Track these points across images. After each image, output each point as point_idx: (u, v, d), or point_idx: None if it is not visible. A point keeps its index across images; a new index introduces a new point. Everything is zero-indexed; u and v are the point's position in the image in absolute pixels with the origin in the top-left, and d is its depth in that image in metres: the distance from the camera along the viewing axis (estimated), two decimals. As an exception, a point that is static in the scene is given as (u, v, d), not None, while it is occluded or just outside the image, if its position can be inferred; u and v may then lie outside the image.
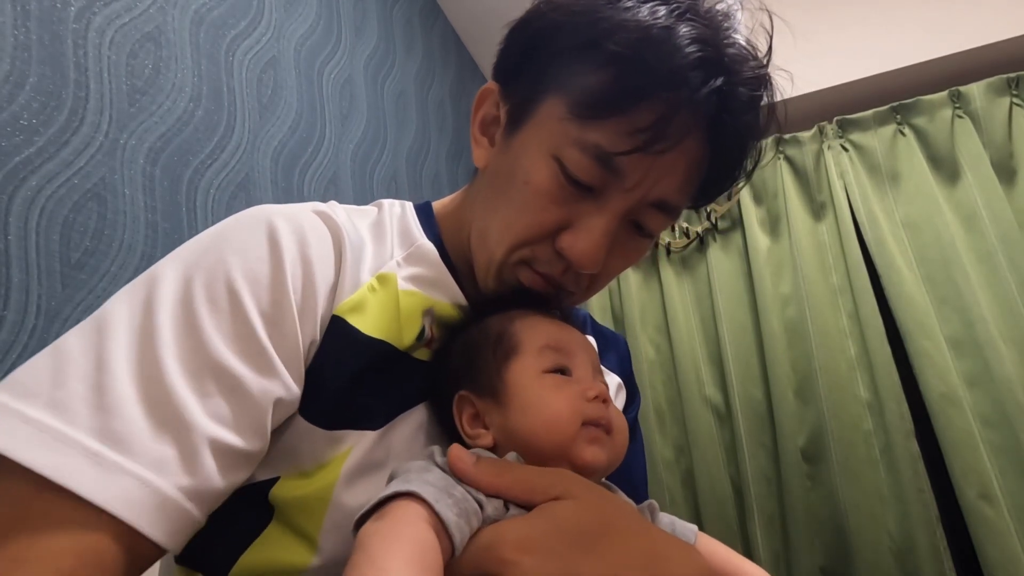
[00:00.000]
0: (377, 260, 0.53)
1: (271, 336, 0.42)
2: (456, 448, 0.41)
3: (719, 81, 0.46)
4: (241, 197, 1.09)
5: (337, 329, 0.47)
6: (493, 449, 0.45)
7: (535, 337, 0.49)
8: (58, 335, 0.77)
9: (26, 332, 0.74)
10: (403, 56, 1.75)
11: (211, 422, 0.38)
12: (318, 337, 0.46)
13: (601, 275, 0.54)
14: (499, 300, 0.53)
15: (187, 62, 1.03)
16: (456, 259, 0.57)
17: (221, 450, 0.38)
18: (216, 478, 0.38)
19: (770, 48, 0.52)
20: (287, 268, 0.44)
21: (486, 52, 2.20)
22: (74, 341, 0.38)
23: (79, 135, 0.83)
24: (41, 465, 0.32)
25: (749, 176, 0.55)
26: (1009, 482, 1.50)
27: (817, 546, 1.67)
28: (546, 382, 0.47)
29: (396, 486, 0.36)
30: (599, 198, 0.49)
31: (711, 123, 0.48)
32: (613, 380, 0.67)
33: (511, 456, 0.44)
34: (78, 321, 0.79)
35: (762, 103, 0.50)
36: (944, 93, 1.84)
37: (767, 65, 0.51)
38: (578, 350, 0.49)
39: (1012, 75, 1.78)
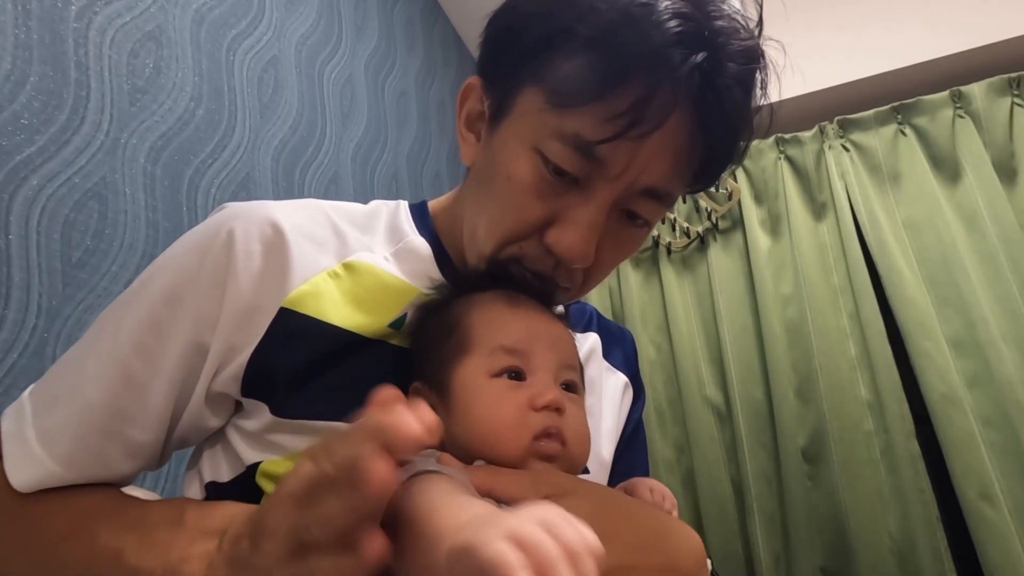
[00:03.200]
0: (347, 250, 0.51)
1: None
2: (448, 456, 0.40)
3: (700, 57, 0.43)
4: (242, 196, 1.09)
5: (284, 321, 0.46)
6: (440, 448, 0.41)
7: (491, 335, 0.45)
8: (59, 334, 0.77)
9: (27, 331, 0.74)
10: (404, 56, 1.75)
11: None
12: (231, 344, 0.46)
13: (596, 268, 0.52)
14: (486, 278, 0.50)
15: (188, 61, 1.03)
16: (455, 257, 0.56)
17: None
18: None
19: (760, 19, 0.49)
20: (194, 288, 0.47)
21: (487, 52, 2.20)
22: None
23: (80, 134, 0.83)
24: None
25: (742, 156, 0.52)
26: (1010, 482, 1.50)
27: (817, 546, 1.67)
28: (493, 388, 0.43)
29: (409, 469, 0.35)
30: (584, 189, 0.47)
31: (696, 102, 0.45)
32: (619, 379, 0.66)
33: (479, 463, 0.41)
34: (79, 320, 0.80)
35: (754, 78, 0.48)
36: (945, 93, 1.84)
37: (758, 36, 0.48)
38: (541, 347, 0.45)
39: (1013, 75, 1.78)
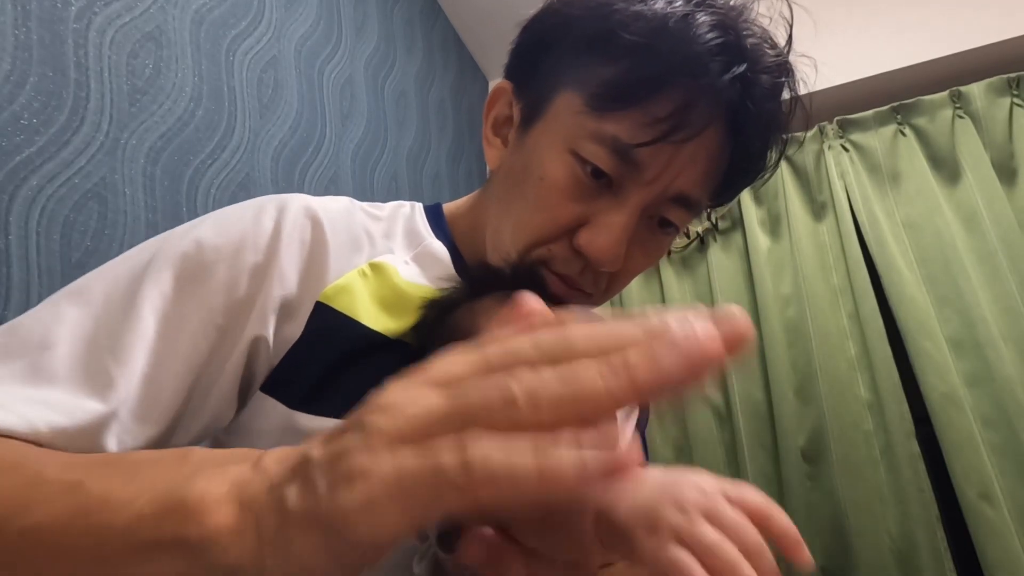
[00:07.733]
0: (375, 250, 0.52)
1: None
2: None
3: (741, 68, 0.45)
4: (241, 197, 1.09)
5: (320, 316, 0.46)
6: None
7: None
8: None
9: (27, 331, 0.74)
10: (403, 56, 1.75)
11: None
12: (269, 333, 0.44)
13: (621, 275, 0.52)
14: (486, 280, 0.49)
15: (188, 62, 1.03)
16: (472, 263, 0.56)
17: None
18: None
19: (790, 37, 0.51)
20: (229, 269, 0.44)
21: (487, 52, 2.20)
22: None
23: (80, 135, 0.83)
24: None
25: (773, 169, 0.53)
26: (1010, 482, 1.50)
27: (817, 546, 1.67)
28: None
29: None
30: (618, 193, 0.47)
31: (733, 112, 0.47)
32: None
33: None
34: (79, 320, 0.80)
35: (784, 92, 0.50)
36: (945, 93, 1.84)
37: (787, 53, 0.50)
38: None
39: (1013, 75, 1.78)
